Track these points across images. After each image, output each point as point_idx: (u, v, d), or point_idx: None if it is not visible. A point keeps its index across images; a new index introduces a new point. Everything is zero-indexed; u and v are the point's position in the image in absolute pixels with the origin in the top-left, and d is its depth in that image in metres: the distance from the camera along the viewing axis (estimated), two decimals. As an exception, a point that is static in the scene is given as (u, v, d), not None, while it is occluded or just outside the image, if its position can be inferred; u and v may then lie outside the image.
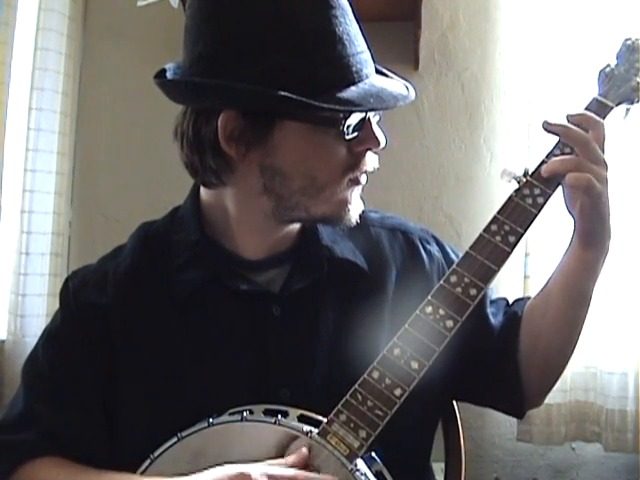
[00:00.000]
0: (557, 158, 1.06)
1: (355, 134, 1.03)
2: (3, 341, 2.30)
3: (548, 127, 1.07)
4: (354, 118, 1.01)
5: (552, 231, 1.97)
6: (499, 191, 2.21)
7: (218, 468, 0.92)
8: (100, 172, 2.46)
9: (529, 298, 1.24)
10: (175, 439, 0.98)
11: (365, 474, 0.94)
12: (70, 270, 2.19)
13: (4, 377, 2.27)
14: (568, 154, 1.07)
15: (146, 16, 2.34)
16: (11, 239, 2.32)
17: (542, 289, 1.19)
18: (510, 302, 1.27)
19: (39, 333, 1.19)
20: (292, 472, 0.90)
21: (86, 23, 2.47)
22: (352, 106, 0.98)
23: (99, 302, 1.12)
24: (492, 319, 1.21)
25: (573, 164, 1.04)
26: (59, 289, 1.19)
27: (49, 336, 1.17)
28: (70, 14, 2.34)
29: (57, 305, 1.19)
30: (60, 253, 2.35)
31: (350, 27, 1.02)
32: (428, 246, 1.24)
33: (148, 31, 2.42)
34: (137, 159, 2.43)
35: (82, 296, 1.14)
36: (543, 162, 1.08)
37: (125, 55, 2.45)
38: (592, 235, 1.07)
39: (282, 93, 0.94)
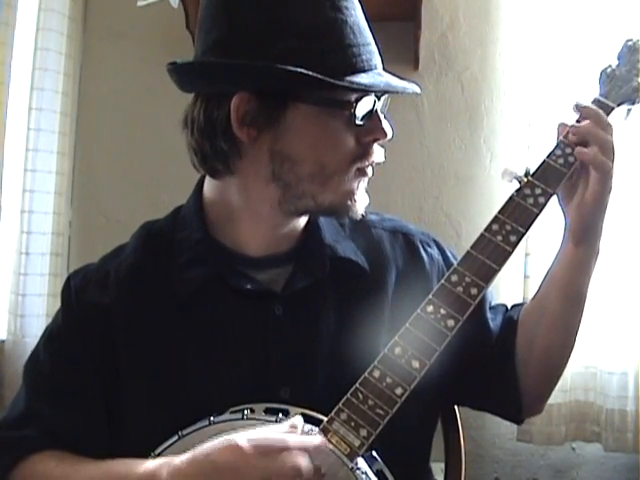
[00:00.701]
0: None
1: (363, 122, 1.04)
2: (3, 341, 2.31)
3: (579, 108, 1.10)
4: (363, 106, 1.03)
5: (552, 231, 1.97)
6: (499, 191, 2.21)
7: (207, 444, 0.90)
8: (100, 172, 2.46)
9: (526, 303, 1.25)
10: (176, 437, 0.99)
11: (366, 473, 0.94)
12: (70, 270, 2.20)
13: (4, 377, 2.27)
14: (569, 154, 1.08)
15: (146, 16, 2.34)
16: (11, 239, 2.32)
17: (536, 292, 1.19)
18: (509, 307, 1.28)
19: (39, 333, 1.20)
20: (281, 436, 0.89)
21: (86, 23, 2.47)
22: (364, 87, 1.00)
23: (101, 301, 1.12)
24: (491, 324, 1.22)
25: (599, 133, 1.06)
26: (59, 289, 1.19)
27: (51, 335, 1.17)
28: (70, 14, 2.35)
29: (57, 305, 1.19)
30: (60, 253, 2.35)
31: (359, 20, 1.04)
32: (429, 248, 1.24)
33: (148, 31, 2.43)
34: (137, 159, 2.43)
35: (84, 295, 1.14)
36: (544, 162, 1.09)
37: (125, 55, 2.45)
38: (586, 230, 1.08)
39: (297, 69, 0.96)
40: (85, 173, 2.47)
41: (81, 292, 1.14)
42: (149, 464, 0.95)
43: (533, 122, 2.13)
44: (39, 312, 2.27)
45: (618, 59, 1.17)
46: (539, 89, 2.12)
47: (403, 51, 2.29)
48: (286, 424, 0.93)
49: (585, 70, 1.99)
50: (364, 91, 1.01)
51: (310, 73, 0.96)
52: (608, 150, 1.05)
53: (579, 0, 2.11)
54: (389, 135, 1.07)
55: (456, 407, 1.35)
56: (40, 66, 2.28)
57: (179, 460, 0.90)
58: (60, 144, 2.33)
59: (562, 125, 1.12)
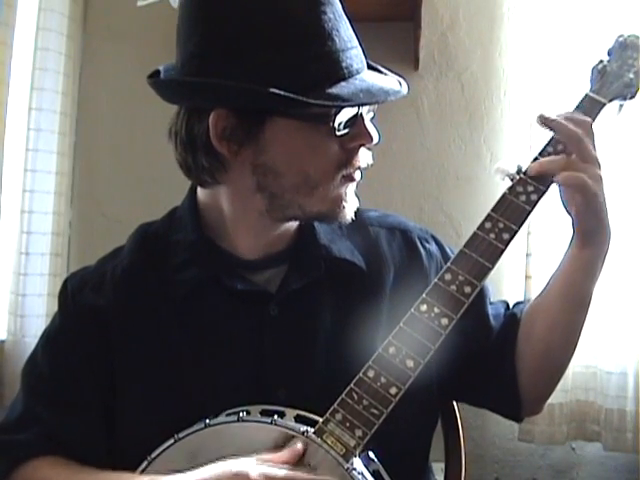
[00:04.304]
0: (546, 158, 1.06)
1: (347, 130, 1.03)
2: (3, 341, 2.30)
3: (544, 121, 1.07)
4: (345, 114, 1.01)
5: (554, 231, 1.97)
6: (499, 191, 2.19)
7: (215, 465, 0.93)
8: (100, 172, 2.46)
9: (530, 301, 1.24)
10: (172, 440, 0.99)
11: (362, 473, 0.94)
12: (70, 270, 2.20)
13: (4, 377, 2.26)
14: (561, 151, 1.07)
15: (146, 16, 2.34)
16: (11, 239, 2.32)
17: (542, 291, 1.19)
18: (511, 305, 1.27)
19: (39, 333, 1.20)
20: (291, 474, 0.91)
21: (86, 23, 2.47)
22: (341, 101, 0.98)
23: (97, 303, 1.13)
24: (492, 320, 1.21)
25: (565, 163, 1.04)
26: (59, 289, 1.19)
27: (48, 338, 1.17)
28: (70, 14, 2.34)
29: (57, 305, 1.19)
30: (60, 253, 2.35)
31: (340, 23, 1.02)
32: (427, 245, 1.24)
33: (148, 31, 2.42)
34: (137, 159, 2.43)
35: (81, 297, 1.14)
36: (536, 159, 1.08)
37: (125, 55, 2.45)
38: (590, 234, 1.07)
39: (271, 90, 0.94)
40: (85, 173, 2.46)
41: (78, 294, 1.15)
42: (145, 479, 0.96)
43: (534, 122, 2.11)
44: (39, 312, 2.27)
45: (609, 55, 1.17)
46: (540, 89, 2.11)
47: (403, 51, 2.28)
48: (287, 452, 0.94)
49: (587, 69, 1.98)
50: (341, 106, 0.99)
51: (282, 93, 0.94)
52: (596, 178, 1.02)
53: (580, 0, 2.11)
54: (375, 139, 1.06)
55: (456, 407, 1.35)
56: (40, 66, 2.27)
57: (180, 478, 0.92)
58: (60, 144, 2.33)
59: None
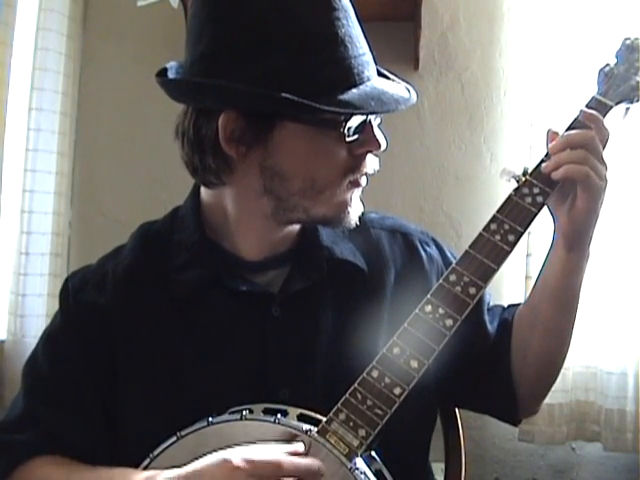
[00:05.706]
0: (560, 154, 1.06)
1: (356, 136, 1.02)
2: (3, 341, 2.30)
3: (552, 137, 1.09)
4: (355, 120, 1.01)
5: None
6: (499, 191, 2.21)
7: (202, 459, 0.91)
8: (100, 172, 2.46)
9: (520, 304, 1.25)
10: (174, 438, 0.98)
11: (364, 473, 0.94)
12: (70, 270, 2.20)
13: (4, 377, 2.27)
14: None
15: (146, 16, 2.34)
16: (11, 239, 2.32)
17: (528, 298, 1.19)
18: (505, 307, 1.28)
19: (39, 333, 1.20)
20: (275, 456, 0.89)
21: (86, 23, 2.47)
22: (353, 108, 0.98)
23: (98, 302, 1.12)
24: (489, 326, 1.22)
25: (576, 156, 1.03)
26: (59, 289, 1.19)
27: (49, 337, 1.17)
28: (70, 14, 2.34)
29: (57, 305, 1.19)
30: (60, 253, 2.35)
31: (352, 29, 1.01)
32: (427, 248, 1.24)
33: (148, 31, 2.42)
34: (137, 159, 2.43)
35: (82, 296, 1.14)
36: (542, 161, 1.09)
37: (125, 55, 2.45)
38: (578, 236, 1.08)
39: (283, 94, 0.94)
40: (85, 173, 2.47)
41: (79, 293, 1.14)
42: (140, 475, 0.96)
43: (535, 122, 2.12)
44: (39, 312, 2.27)
45: (616, 58, 1.17)
46: (539, 89, 2.12)
47: (403, 51, 2.28)
48: (287, 447, 0.93)
49: (587, 69, 1.98)
50: (353, 113, 0.99)
51: (295, 98, 0.94)
52: (602, 178, 1.03)
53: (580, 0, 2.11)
54: (383, 146, 1.06)
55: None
56: (40, 66, 2.27)
57: (174, 474, 0.91)
58: (60, 144, 2.33)
59: (552, 132, 1.11)
